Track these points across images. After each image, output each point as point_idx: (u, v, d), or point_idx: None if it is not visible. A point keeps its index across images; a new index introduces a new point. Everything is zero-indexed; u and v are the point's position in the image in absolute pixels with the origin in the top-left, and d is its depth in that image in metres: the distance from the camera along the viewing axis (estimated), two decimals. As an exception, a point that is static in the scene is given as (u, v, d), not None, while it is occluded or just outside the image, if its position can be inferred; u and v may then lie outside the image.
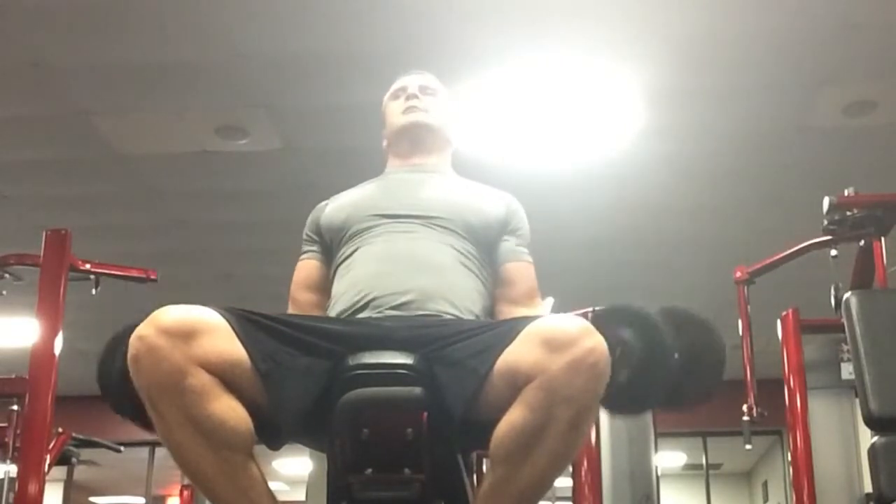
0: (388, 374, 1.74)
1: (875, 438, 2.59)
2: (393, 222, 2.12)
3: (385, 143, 2.38)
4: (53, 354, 3.66)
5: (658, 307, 2.03)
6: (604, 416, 4.40)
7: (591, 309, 4.25)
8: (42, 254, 3.84)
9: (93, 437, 4.83)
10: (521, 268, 2.18)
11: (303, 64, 4.35)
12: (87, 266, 4.02)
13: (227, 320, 1.75)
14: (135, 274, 4.26)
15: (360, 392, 1.72)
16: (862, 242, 3.51)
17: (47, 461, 3.67)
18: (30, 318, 3.79)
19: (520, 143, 5.07)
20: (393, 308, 1.95)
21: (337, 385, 1.74)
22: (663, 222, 5.96)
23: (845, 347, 3.86)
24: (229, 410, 1.70)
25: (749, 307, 4.19)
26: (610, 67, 4.39)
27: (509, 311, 2.11)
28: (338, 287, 2.08)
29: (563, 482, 4.66)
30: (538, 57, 4.31)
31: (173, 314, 1.72)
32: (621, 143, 5.05)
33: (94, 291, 4.06)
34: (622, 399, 1.92)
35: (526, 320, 1.76)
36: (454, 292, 2.01)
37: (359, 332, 1.85)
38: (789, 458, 3.90)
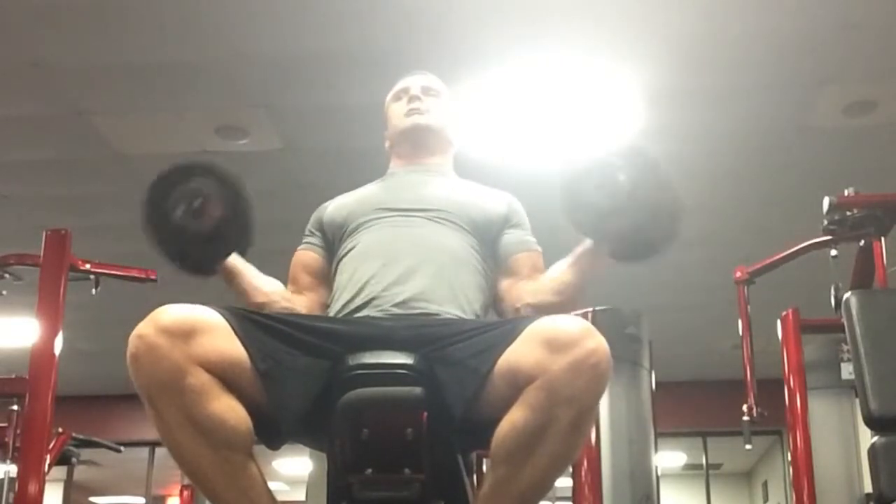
0: (389, 374, 1.74)
1: (875, 438, 2.59)
2: (395, 216, 2.13)
3: (387, 143, 2.38)
4: (53, 354, 3.66)
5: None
6: (604, 416, 4.41)
7: (590, 309, 4.27)
8: (42, 254, 3.84)
9: (93, 437, 4.83)
10: (531, 257, 2.18)
11: (303, 64, 4.35)
12: (87, 266, 4.02)
13: (227, 320, 1.75)
14: (135, 274, 4.26)
15: (361, 392, 1.72)
16: (862, 242, 3.51)
17: (47, 461, 3.67)
18: (30, 318, 3.79)
19: (520, 144, 5.07)
20: (394, 305, 1.95)
21: (337, 385, 1.74)
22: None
23: (845, 347, 3.86)
24: (229, 410, 1.70)
25: (749, 307, 4.19)
26: (610, 67, 4.39)
27: (514, 290, 2.11)
28: (340, 280, 2.08)
29: (564, 482, 4.66)
30: (538, 57, 4.31)
31: (173, 313, 1.72)
32: (621, 144, 5.04)
33: (94, 291, 4.07)
34: (631, 245, 1.94)
35: (527, 320, 1.76)
36: (455, 288, 2.01)
37: (359, 331, 1.85)
38: (789, 458, 3.90)
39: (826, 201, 3.42)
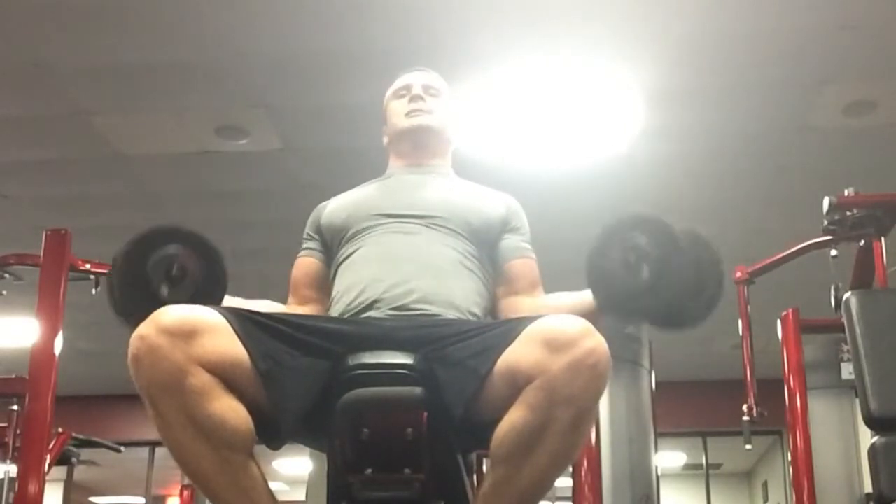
0: (389, 374, 1.74)
1: (875, 438, 2.60)
2: (394, 222, 2.12)
3: (386, 140, 2.37)
4: (53, 354, 3.66)
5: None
6: (604, 416, 4.41)
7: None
8: (42, 254, 3.84)
9: (93, 437, 4.84)
10: (525, 264, 2.18)
11: (303, 64, 4.35)
12: (87, 266, 4.02)
13: (228, 320, 1.75)
14: (135, 274, 4.25)
15: (361, 392, 1.72)
16: (862, 242, 3.51)
17: (47, 461, 3.66)
18: (30, 318, 3.79)
19: (520, 144, 5.07)
20: (394, 309, 1.95)
21: (337, 385, 1.74)
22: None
23: (845, 347, 3.86)
24: (230, 410, 1.70)
25: (749, 307, 4.19)
26: (610, 67, 4.39)
27: (511, 303, 2.11)
28: (339, 287, 2.08)
29: (563, 482, 4.66)
30: (538, 57, 4.31)
31: (174, 314, 1.72)
32: (621, 144, 5.05)
33: (94, 291, 4.06)
34: (636, 300, 1.90)
35: (526, 320, 1.76)
36: (455, 293, 2.01)
37: (359, 331, 1.85)
38: (789, 458, 3.90)
39: (826, 201, 3.42)
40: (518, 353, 1.70)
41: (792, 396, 3.83)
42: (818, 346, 4.48)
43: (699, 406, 8.65)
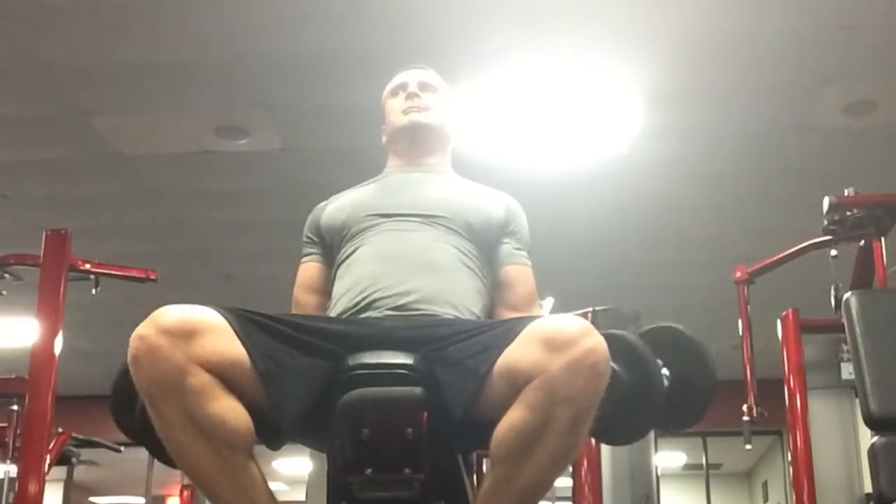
0: (388, 374, 1.74)
1: (875, 438, 2.60)
2: (393, 221, 2.12)
3: (384, 138, 2.37)
4: (53, 354, 3.66)
5: (648, 328, 2.03)
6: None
7: (590, 309, 4.27)
8: (42, 254, 3.84)
9: (93, 437, 4.84)
10: (520, 271, 2.18)
11: (303, 64, 4.35)
12: (87, 266, 4.02)
13: (228, 320, 1.75)
14: (135, 274, 4.26)
15: (360, 392, 1.72)
16: (862, 242, 3.51)
17: (47, 461, 3.67)
18: (30, 318, 3.79)
19: (520, 144, 5.07)
20: (393, 308, 1.95)
21: (337, 385, 1.74)
22: (663, 222, 5.96)
23: (845, 347, 3.86)
24: (229, 410, 1.70)
25: (749, 307, 4.19)
26: (610, 67, 4.39)
27: (509, 316, 2.11)
28: (338, 287, 2.08)
29: (563, 482, 4.66)
30: (538, 57, 4.31)
31: (173, 314, 1.72)
32: (621, 144, 5.05)
33: (94, 291, 4.06)
34: (612, 431, 1.93)
35: (526, 320, 1.76)
36: (454, 292, 2.01)
37: (359, 331, 1.85)
38: (789, 458, 3.90)
39: (826, 201, 3.42)
40: (518, 353, 1.70)
41: (792, 396, 3.83)
42: (818, 346, 4.48)
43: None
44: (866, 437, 2.72)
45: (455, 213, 2.14)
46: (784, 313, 3.91)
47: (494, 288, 2.16)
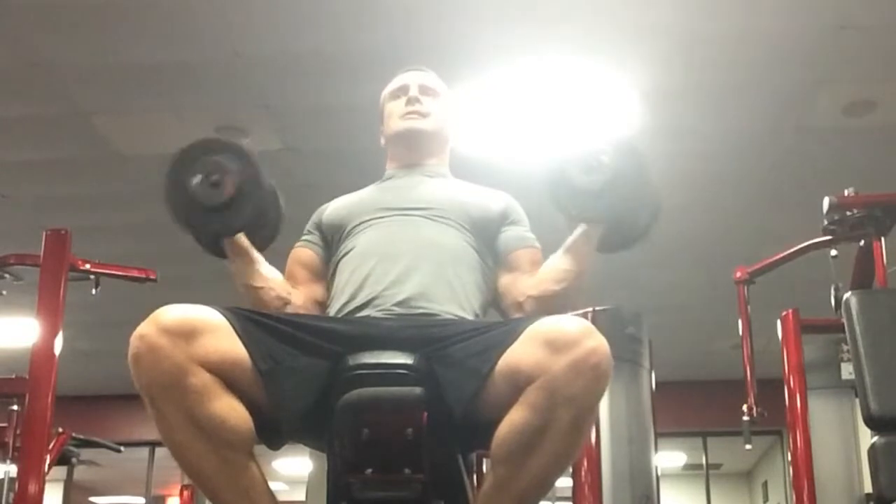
0: (389, 374, 1.74)
1: (875, 438, 2.59)
2: (393, 217, 2.12)
3: (382, 140, 2.37)
4: (53, 354, 3.66)
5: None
6: (604, 416, 4.41)
7: (590, 309, 4.27)
8: (42, 254, 3.84)
9: (93, 437, 4.83)
10: (531, 253, 2.17)
11: (303, 64, 4.35)
12: (87, 266, 4.02)
13: (228, 320, 1.76)
14: (135, 274, 4.26)
15: (361, 392, 1.72)
16: (862, 242, 3.51)
17: (47, 461, 3.67)
18: (30, 318, 3.79)
19: (519, 143, 5.07)
20: (394, 306, 1.95)
21: (337, 385, 1.74)
22: (663, 222, 5.94)
23: (845, 347, 3.86)
24: (230, 410, 1.70)
25: (749, 307, 4.19)
26: (609, 67, 4.39)
27: (514, 285, 2.10)
28: (339, 281, 2.08)
29: (563, 482, 4.65)
30: (538, 57, 4.31)
31: (174, 313, 1.72)
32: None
33: (94, 291, 4.06)
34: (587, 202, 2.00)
35: (527, 320, 1.77)
36: (455, 287, 2.01)
37: (359, 331, 1.85)
38: (789, 458, 3.90)
39: (826, 201, 3.42)
40: (519, 354, 1.70)
41: (792, 396, 3.83)
42: (818, 346, 4.48)
43: (699, 406, 8.65)
44: (866, 437, 2.72)
45: (455, 208, 2.14)
46: (784, 313, 3.91)
47: (505, 272, 2.15)
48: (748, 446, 4.18)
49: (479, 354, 1.74)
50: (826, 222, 3.48)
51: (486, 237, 2.15)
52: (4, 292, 4.17)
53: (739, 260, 4.34)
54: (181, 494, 7.78)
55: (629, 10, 4.00)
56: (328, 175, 5.03)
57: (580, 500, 4.34)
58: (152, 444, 9.18)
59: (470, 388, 1.72)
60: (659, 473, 4.63)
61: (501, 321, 2.01)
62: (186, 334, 1.69)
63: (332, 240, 2.19)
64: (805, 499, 3.71)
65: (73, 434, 4.41)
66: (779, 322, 3.91)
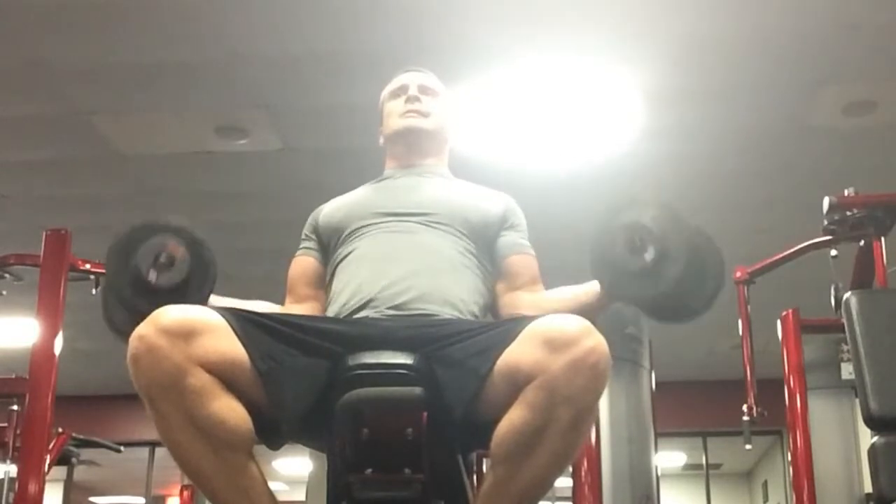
0: (388, 374, 1.74)
1: (875, 438, 2.59)
2: (391, 221, 2.12)
3: (381, 140, 2.37)
4: (53, 354, 3.66)
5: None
6: (604, 416, 4.41)
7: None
8: (42, 254, 3.84)
9: (93, 437, 4.84)
10: (524, 260, 2.17)
11: (303, 64, 4.35)
12: (87, 266, 4.02)
13: (227, 320, 1.75)
14: (135, 274, 4.25)
15: (360, 392, 1.72)
16: (862, 242, 3.51)
17: (47, 461, 3.67)
18: (30, 318, 3.79)
19: (520, 143, 5.07)
20: (392, 307, 1.95)
21: (337, 385, 1.74)
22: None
23: (845, 347, 3.86)
24: (229, 410, 1.70)
25: (749, 307, 4.19)
26: (610, 68, 4.39)
27: (512, 299, 2.10)
28: (336, 286, 2.08)
29: (563, 482, 4.66)
30: (538, 57, 4.31)
31: (173, 314, 1.72)
32: (621, 144, 5.05)
33: (94, 291, 4.06)
34: (641, 282, 1.91)
35: (526, 320, 1.76)
36: (453, 291, 2.01)
37: (359, 331, 1.85)
38: (789, 458, 3.90)
39: (826, 201, 3.41)
40: (518, 353, 1.70)
41: (792, 396, 3.83)
42: (818, 346, 4.48)
43: (699, 406, 8.64)
44: (866, 437, 2.72)
45: (453, 212, 2.14)
46: (784, 313, 3.91)
47: (499, 279, 2.15)
48: (748, 446, 4.18)
49: (478, 354, 1.74)
50: (826, 222, 3.48)
51: (485, 241, 2.15)
52: (4, 292, 4.17)
53: (739, 260, 4.34)
54: (181, 494, 7.78)
55: (630, 10, 3.99)
56: (328, 175, 5.03)
57: (580, 500, 4.34)
58: (152, 444, 9.18)
59: (469, 388, 1.72)
60: (659, 473, 4.64)
61: (500, 321, 2.02)
62: (185, 335, 1.69)
63: (330, 243, 2.18)
64: (805, 499, 3.71)
65: (73, 434, 4.42)
66: (779, 322, 3.91)
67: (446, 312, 1.96)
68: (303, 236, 2.28)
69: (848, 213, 3.43)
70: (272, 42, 4.18)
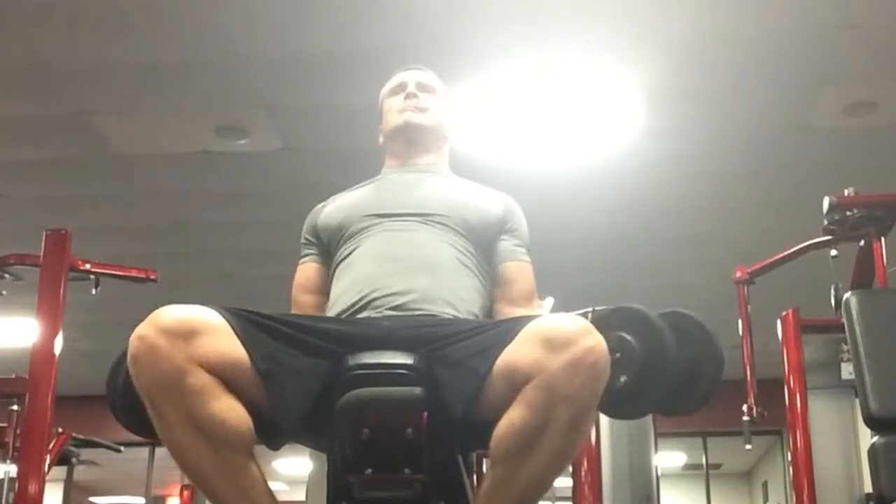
0: (388, 374, 1.74)
1: (875, 438, 2.59)
2: (391, 221, 2.12)
3: (381, 138, 2.37)
4: (53, 354, 3.66)
5: (661, 311, 2.05)
6: (604, 416, 4.41)
7: (591, 309, 4.26)
8: (42, 254, 3.84)
9: (93, 437, 4.84)
10: (519, 267, 2.17)
11: (303, 64, 4.35)
12: (87, 266, 4.02)
13: (227, 320, 1.75)
14: (135, 274, 4.26)
15: (360, 392, 1.72)
16: (862, 242, 3.51)
17: (47, 461, 3.67)
18: (30, 318, 3.79)
19: (520, 143, 5.07)
20: (392, 308, 1.95)
21: (337, 385, 1.74)
22: (663, 222, 5.96)
23: (845, 347, 3.86)
24: (229, 410, 1.70)
25: (749, 307, 4.19)
26: (610, 68, 4.39)
27: (508, 312, 2.11)
28: (336, 287, 2.08)
29: (563, 482, 4.66)
30: (538, 57, 4.31)
31: (173, 314, 1.72)
32: (621, 144, 5.05)
33: (94, 291, 4.06)
34: (620, 403, 1.95)
35: (525, 320, 1.76)
36: (453, 292, 2.01)
37: (359, 331, 1.85)
38: (789, 458, 3.90)
39: (826, 201, 3.41)
40: (517, 353, 1.70)
41: (792, 396, 3.83)
42: (818, 346, 4.48)
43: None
44: (866, 437, 2.72)
45: (453, 212, 2.13)
46: (784, 313, 3.91)
47: (494, 285, 2.15)
48: (748, 446, 4.18)
49: (477, 354, 1.74)
50: (826, 222, 3.48)
51: (484, 241, 2.15)
52: (4, 292, 4.17)
53: (739, 260, 4.34)
54: (181, 494, 7.78)
55: (630, 10, 3.99)
56: (328, 175, 5.03)
57: (580, 500, 4.34)
58: (152, 444, 9.17)
59: (469, 388, 1.72)
60: (659, 473, 4.64)
61: (499, 321, 2.01)
62: (185, 335, 1.69)
63: (330, 243, 2.18)
64: (805, 499, 3.71)
65: (73, 434, 4.41)
66: (779, 322, 3.91)
67: (446, 313, 1.96)
68: (303, 240, 2.27)
69: (848, 213, 3.43)
70: (272, 42, 4.18)
